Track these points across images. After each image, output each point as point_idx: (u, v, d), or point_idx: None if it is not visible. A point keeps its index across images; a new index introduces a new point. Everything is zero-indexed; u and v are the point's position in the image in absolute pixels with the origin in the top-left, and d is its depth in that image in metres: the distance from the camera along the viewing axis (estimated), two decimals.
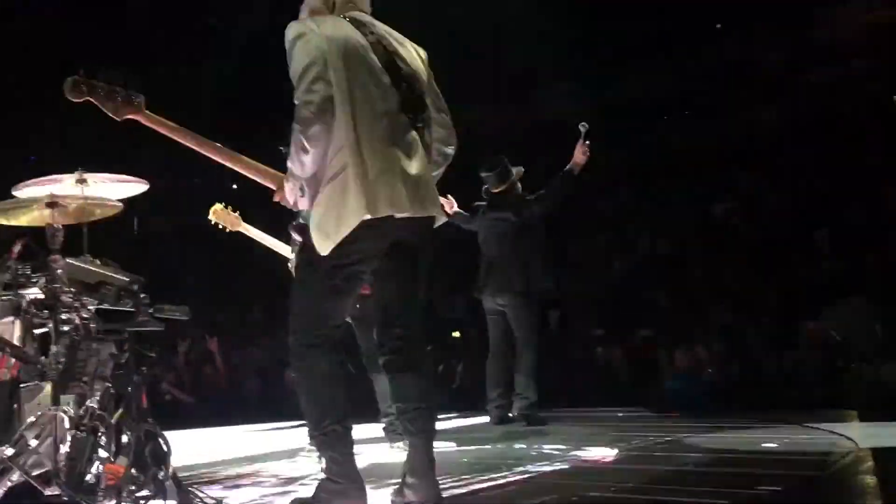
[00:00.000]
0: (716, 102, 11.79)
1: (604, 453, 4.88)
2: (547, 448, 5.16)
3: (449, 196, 6.53)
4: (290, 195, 3.22)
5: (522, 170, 6.87)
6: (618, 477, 4.05)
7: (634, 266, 11.69)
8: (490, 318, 6.88)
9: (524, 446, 5.36)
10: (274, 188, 3.47)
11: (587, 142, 6.59)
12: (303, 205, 3.23)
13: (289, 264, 5.13)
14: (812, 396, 7.39)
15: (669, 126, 11.81)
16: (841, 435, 5.03)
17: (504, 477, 4.14)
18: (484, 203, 6.91)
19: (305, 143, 3.05)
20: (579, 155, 6.63)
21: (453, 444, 5.51)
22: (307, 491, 3.40)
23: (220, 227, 5.28)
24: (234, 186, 8.58)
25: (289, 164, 3.15)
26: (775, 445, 5.05)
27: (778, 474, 3.87)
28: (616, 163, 11.28)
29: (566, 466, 4.47)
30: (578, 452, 4.95)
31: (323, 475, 3.17)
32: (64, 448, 3.15)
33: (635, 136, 11.91)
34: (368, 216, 3.00)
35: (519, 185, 6.85)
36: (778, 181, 11.21)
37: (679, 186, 11.91)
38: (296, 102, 3.07)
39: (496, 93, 11.65)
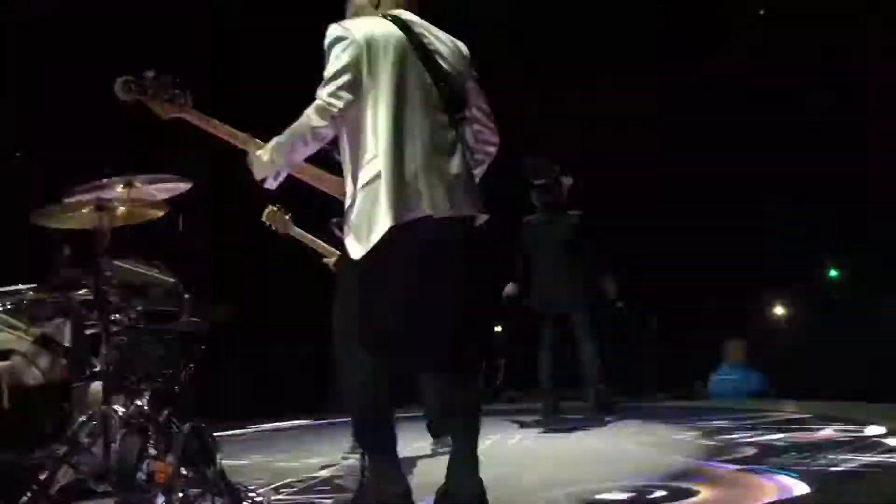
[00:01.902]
0: None
1: None
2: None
3: None
4: (262, 172, 3.16)
5: (571, 180, 6.87)
6: None
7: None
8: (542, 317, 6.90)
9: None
10: (325, 189, 3.52)
11: None
12: (269, 185, 3.17)
13: (323, 260, 5.15)
14: None
15: None
16: None
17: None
18: (535, 218, 6.92)
19: (310, 138, 3.05)
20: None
21: (496, 441, 5.51)
22: (352, 490, 3.42)
23: (273, 228, 5.27)
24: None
25: (278, 143, 3.09)
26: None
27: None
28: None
29: None
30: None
31: (367, 474, 3.17)
32: (115, 446, 3.21)
33: None
34: (396, 223, 2.99)
35: (565, 193, 6.87)
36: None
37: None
38: (317, 98, 3.06)
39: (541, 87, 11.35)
